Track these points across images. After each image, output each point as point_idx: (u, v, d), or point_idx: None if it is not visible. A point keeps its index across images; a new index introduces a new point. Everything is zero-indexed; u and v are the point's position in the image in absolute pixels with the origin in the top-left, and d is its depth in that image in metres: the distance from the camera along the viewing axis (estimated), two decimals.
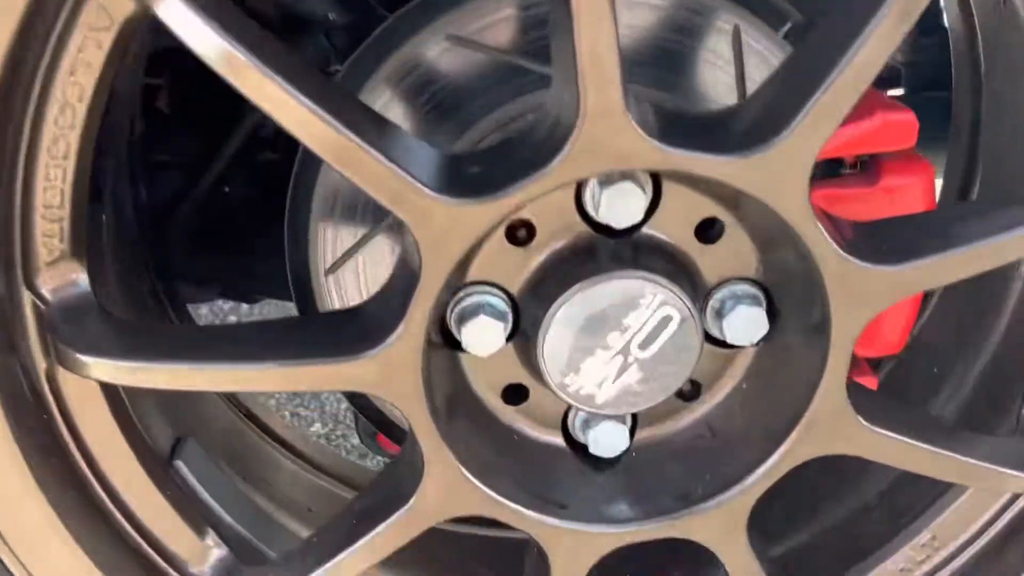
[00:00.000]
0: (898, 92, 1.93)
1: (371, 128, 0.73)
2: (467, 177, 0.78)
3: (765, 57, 0.96)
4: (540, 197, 0.83)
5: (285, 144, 1.40)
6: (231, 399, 1.25)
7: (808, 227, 0.78)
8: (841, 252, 0.80)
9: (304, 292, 1.05)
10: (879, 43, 0.72)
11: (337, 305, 1.04)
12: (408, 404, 0.84)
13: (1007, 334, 1.10)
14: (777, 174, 0.76)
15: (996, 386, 1.10)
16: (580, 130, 0.73)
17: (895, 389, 1.27)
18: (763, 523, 1.30)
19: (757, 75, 0.96)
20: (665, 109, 0.80)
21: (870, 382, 1.06)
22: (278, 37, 1.06)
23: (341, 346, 0.82)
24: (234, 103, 1.40)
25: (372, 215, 1.02)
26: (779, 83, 0.79)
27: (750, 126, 0.77)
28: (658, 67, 0.98)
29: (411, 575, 1.27)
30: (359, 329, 0.84)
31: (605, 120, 0.72)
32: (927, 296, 1.26)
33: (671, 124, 0.78)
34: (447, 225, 0.75)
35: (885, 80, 2.02)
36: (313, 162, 1.01)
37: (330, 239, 1.03)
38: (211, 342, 0.82)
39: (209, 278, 1.44)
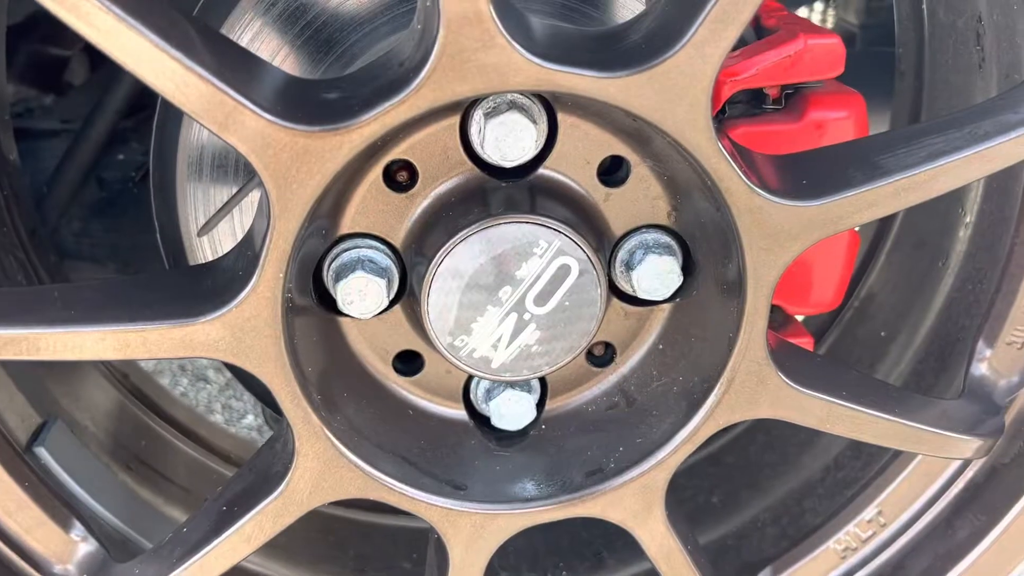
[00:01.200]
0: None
1: (198, 45, 0.62)
2: (320, 103, 0.67)
3: None
4: (411, 129, 0.73)
5: None
6: (116, 376, 1.14)
7: (711, 155, 0.69)
8: (751, 185, 0.70)
9: (177, 257, 0.95)
10: None
11: None
12: (268, 373, 0.73)
13: (954, 288, 1.01)
14: (672, 92, 0.66)
15: (944, 346, 1.01)
16: (442, 43, 0.62)
17: (845, 351, 1.19)
18: (706, 503, 1.22)
19: None
20: (550, 23, 0.70)
21: (806, 344, 0.96)
22: None
23: (188, 307, 0.71)
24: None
25: (245, 170, 0.92)
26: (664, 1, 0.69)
27: (643, 40, 0.67)
28: None
29: (327, 571, 1.18)
30: (211, 287, 0.73)
31: (469, 29, 0.62)
32: (875, 251, 1.17)
33: (555, 39, 0.68)
34: (293, 156, 0.65)
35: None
36: (174, 116, 0.90)
37: (200, 199, 0.93)
38: (39, 304, 0.72)
39: (103, 256, 1.33)
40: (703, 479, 1.24)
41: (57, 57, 1.58)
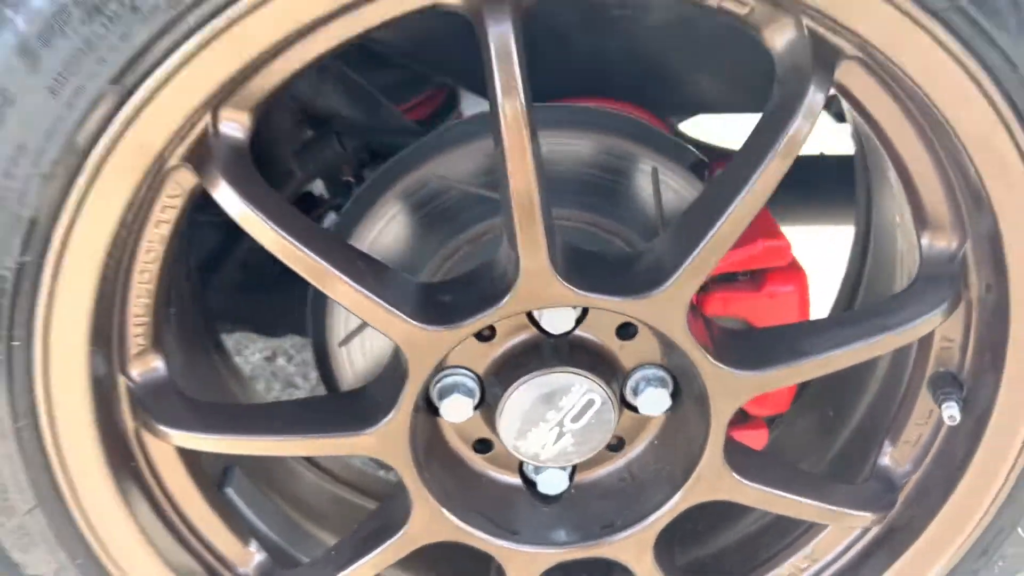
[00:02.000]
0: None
1: (369, 272, 1.03)
2: (439, 306, 1.07)
3: (680, 193, 1.25)
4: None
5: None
6: None
7: (688, 345, 1.08)
8: (714, 362, 1.09)
9: (323, 359, 1.35)
10: (733, 223, 1.00)
11: (348, 372, 1.34)
12: (400, 465, 1.15)
13: (878, 394, 1.39)
14: (663, 310, 1.05)
15: (865, 438, 1.39)
16: (519, 282, 1.02)
17: (799, 426, 1.57)
18: (692, 529, 1.62)
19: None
20: (585, 254, 1.09)
21: (761, 435, 1.35)
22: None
23: (350, 422, 1.12)
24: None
25: None
26: (667, 239, 1.08)
27: (645, 273, 1.06)
28: (594, 196, 1.26)
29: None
30: (364, 408, 1.14)
31: (538, 277, 1.02)
32: None
33: (588, 269, 1.07)
34: (426, 345, 1.05)
35: (839, 115, 2.26)
36: None
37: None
38: (254, 418, 1.13)
39: (244, 319, 1.74)
40: (692, 510, 1.64)
41: None
